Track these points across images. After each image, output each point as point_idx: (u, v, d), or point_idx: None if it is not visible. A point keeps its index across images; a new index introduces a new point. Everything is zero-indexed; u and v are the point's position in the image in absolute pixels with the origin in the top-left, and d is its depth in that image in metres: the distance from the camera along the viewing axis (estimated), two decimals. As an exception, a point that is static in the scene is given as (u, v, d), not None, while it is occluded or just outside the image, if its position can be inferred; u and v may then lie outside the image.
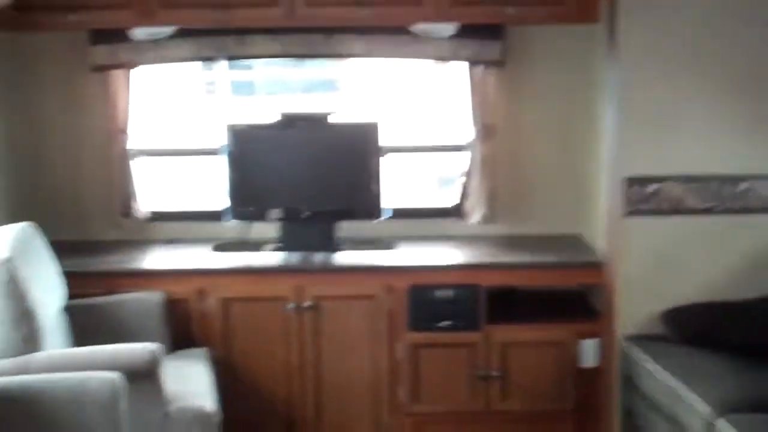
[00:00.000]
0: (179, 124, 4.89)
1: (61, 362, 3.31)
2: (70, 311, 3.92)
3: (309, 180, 4.53)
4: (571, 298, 4.42)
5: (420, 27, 4.42)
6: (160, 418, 3.38)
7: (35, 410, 3.02)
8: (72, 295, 3.96)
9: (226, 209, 4.49)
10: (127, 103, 4.52)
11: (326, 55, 4.65)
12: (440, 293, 4.21)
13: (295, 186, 4.53)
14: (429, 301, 4.20)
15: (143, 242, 4.61)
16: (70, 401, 3.02)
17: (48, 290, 3.67)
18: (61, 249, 4.21)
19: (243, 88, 5.08)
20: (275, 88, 5.14)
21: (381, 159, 4.48)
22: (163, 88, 4.80)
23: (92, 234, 4.65)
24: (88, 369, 3.20)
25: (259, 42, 4.49)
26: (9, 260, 3.34)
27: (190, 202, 4.85)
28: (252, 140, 4.52)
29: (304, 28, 4.43)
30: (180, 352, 4.03)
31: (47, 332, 3.48)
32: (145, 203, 4.65)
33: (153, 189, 4.72)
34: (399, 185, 4.71)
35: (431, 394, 4.25)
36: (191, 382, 3.69)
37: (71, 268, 4.05)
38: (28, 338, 3.35)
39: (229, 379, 4.13)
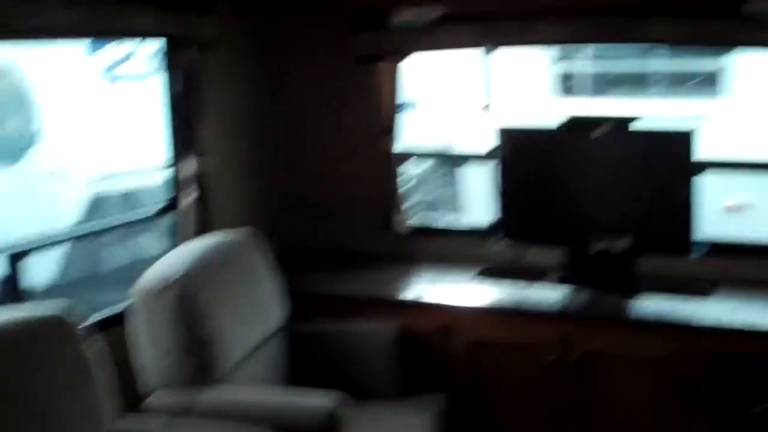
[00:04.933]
0: (455, 124, 4.15)
1: (224, 407, 2.76)
2: (290, 336, 3.39)
3: (603, 201, 3.56)
4: None
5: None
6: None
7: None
8: (297, 316, 3.42)
9: (497, 227, 3.69)
10: (393, 99, 3.86)
11: (627, 39, 3.62)
12: (758, 368, 3.06)
13: (585, 207, 3.59)
14: (740, 377, 3.07)
15: (401, 259, 3.94)
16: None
17: (251, 312, 3.14)
18: (306, 258, 3.76)
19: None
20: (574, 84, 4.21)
21: (696, 178, 3.41)
22: (434, 81, 4.08)
23: (346, 243, 4.07)
24: (254, 420, 2.59)
25: (544, 27, 3.60)
26: (184, 280, 2.84)
27: (460, 216, 4.11)
28: (531, 147, 3.66)
29: (608, 8, 3.48)
30: (410, 399, 3.31)
31: (231, 363, 2.94)
32: (409, 215, 3.99)
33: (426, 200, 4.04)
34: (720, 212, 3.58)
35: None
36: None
37: (301, 285, 3.53)
38: (199, 371, 2.83)
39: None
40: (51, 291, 5.26)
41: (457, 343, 3.39)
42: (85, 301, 3.35)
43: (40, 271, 5.00)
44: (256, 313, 3.18)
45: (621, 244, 3.50)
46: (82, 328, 2.51)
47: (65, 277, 5.65)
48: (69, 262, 5.69)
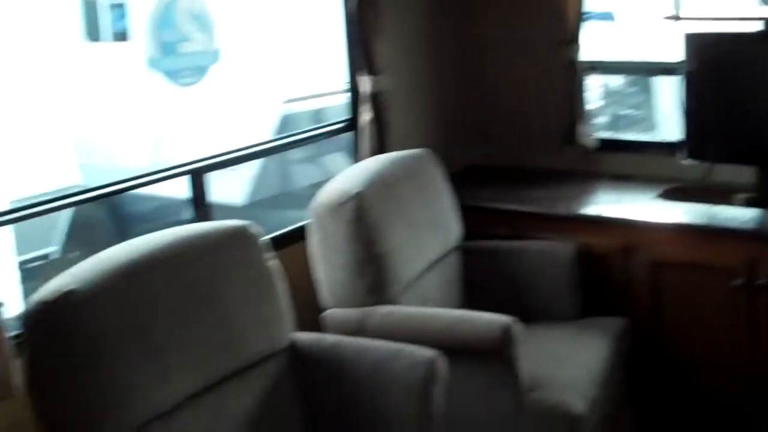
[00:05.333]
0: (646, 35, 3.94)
1: (395, 325, 2.79)
2: (464, 254, 3.39)
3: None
4: None
5: None
6: (505, 409, 2.70)
7: (342, 378, 2.54)
8: (471, 235, 3.41)
9: (684, 144, 3.51)
10: (578, 6, 3.71)
11: None
12: None
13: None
14: None
15: (582, 175, 3.83)
16: (373, 379, 2.49)
17: (427, 230, 3.15)
18: (483, 176, 3.79)
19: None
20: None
21: None
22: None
23: (525, 160, 3.99)
24: (426, 340, 2.61)
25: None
26: (360, 197, 2.86)
27: (647, 132, 3.94)
28: (722, 55, 3.43)
29: None
30: (586, 321, 3.26)
31: (405, 281, 2.97)
32: (593, 129, 3.86)
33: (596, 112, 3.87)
34: None
35: None
36: (575, 365, 2.92)
37: (477, 202, 3.52)
38: (374, 288, 2.87)
39: (654, 360, 3.30)
40: (241, 209, 5.48)
41: (637, 263, 3.29)
42: (273, 219, 3.49)
43: (229, 189, 5.22)
44: (431, 231, 3.19)
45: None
46: (264, 242, 2.60)
47: (255, 195, 5.87)
48: (259, 181, 5.90)
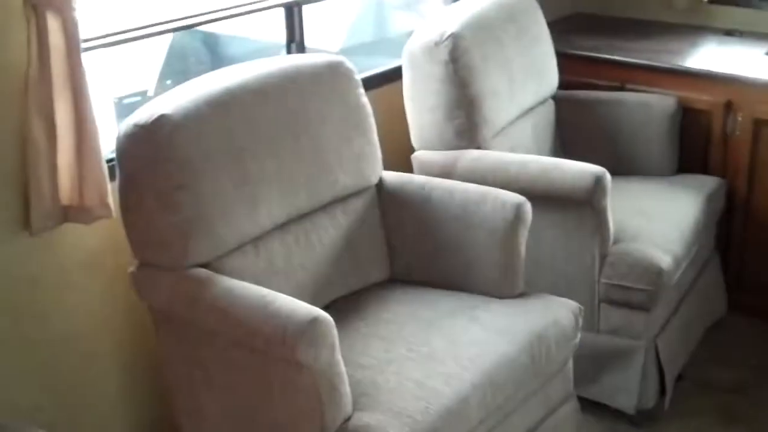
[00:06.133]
0: None
1: (484, 169, 2.74)
2: (560, 102, 3.31)
3: None
4: None
5: None
6: (590, 258, 2.68)
7: (429, 218, 2.53)
8: (569, 84, 3.32)
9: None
10: None
11: None
12: None
13: None
14: None
15: (691, 29, 3.65)
16: (459, 220, 2.46)
17: (523, 75, 3.07)
18: (583, 25, 3.68)
19: None
20: None
21: None
22: None
23: (629, 11, 3.82)
24: (515, 184, 2.59)
25: None
26: (455, 37, 2.79)
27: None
28: None
29: None
30: (680, 177, 3.18)
31: (497, 126, 2.93)
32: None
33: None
34: None
35: None
36: (664, 220, 2.86)
37: (575, 50, 3.40)
38: (464, 130, 2.83)
39: (747, 225, 3.22)
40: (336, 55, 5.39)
41: (738, 121, 3.16)
42: (369, 65, 3.41)
43: (325, 35, 5.14)
44: (528, 77, 3.11)
45: None
46: (358, 79, 2.57)
47: (351, 41, 5.77)
48: (355, 27, 5.79)
